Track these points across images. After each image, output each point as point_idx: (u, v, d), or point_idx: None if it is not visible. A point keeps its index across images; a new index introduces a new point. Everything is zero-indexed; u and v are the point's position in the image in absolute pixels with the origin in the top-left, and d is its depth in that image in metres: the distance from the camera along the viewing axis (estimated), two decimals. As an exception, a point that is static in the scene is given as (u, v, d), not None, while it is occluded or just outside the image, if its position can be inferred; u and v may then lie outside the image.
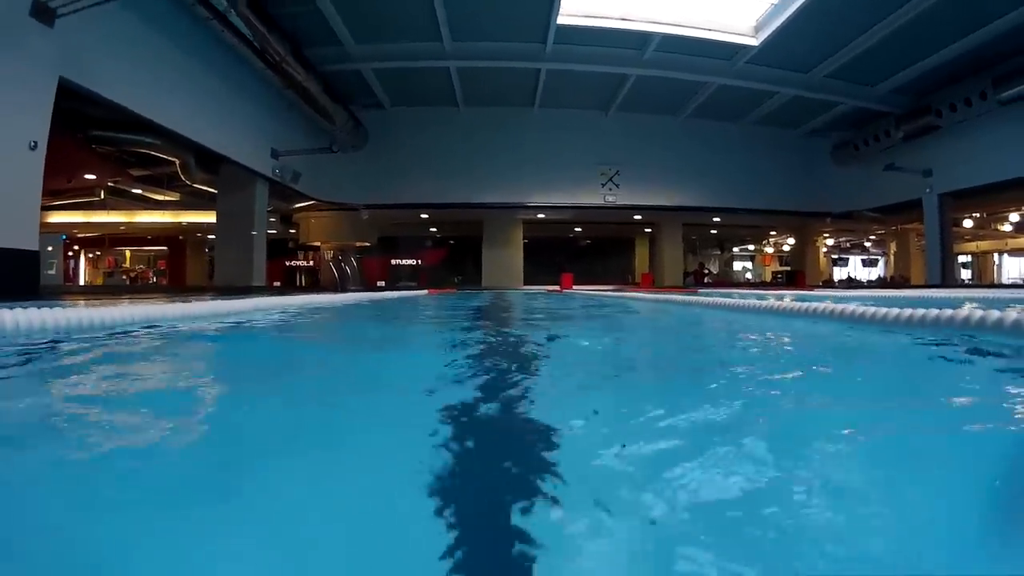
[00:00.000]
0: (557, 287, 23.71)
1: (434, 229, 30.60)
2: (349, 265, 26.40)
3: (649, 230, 30.49)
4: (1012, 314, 3.04)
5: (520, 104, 22.60)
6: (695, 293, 14.85)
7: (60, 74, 9.24)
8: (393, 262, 29.05)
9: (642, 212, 25.90)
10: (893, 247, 33.84)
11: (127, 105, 11.39)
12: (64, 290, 14.24)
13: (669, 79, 19.26)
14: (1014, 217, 29.12)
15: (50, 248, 11.78)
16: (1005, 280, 32.94)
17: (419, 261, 29.38)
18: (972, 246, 33.68)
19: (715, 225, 31.09)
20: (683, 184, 24.21)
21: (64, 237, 25.70)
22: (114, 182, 19.92)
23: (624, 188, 23.96)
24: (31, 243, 8.90)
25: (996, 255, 34.13)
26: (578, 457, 1.13)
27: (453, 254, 30.29)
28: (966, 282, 31.74)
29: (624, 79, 19.69)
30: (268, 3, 13.48)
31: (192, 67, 13.47)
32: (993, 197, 22.60)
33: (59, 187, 18.38)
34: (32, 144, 8.77)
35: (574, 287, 23.29)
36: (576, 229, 31.55)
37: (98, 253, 31.15)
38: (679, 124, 23.64)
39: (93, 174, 18.54)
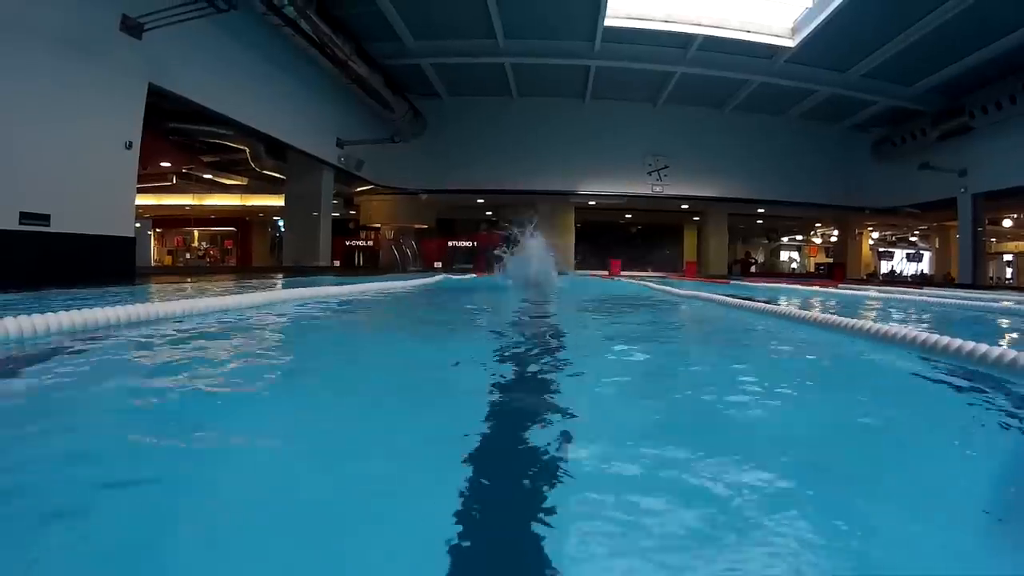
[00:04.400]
0: (606, 272, 24.44)
1: (489, 213, 31.40)
2: (409, 247, 27.39)
3: (697, 219, 30.92)
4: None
5: (572, 96, 23.34)
6: (727, 283, 15.59)
7: (149, 80, 10.39)
8: (450, 244, 29.81)
9: (688, 202, 26.50)
10: (936, 243, 33.72)
11: (207, 105, 12.61)
12: (151, 271, 15.42)
13: (713, 76, 19.91)
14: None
15: (148, 232, 12.93)
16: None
17: (475, 244, 30.06)
18: (1012, 246, 33.24)
19: (761, 215, 31.42)
20: (728, 175, 24.76)
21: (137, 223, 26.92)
22: (187, 168, 21.17)
23: (671, 178, 24.58)
24: (128, 230, 10.14)
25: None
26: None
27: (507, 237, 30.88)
28: (1008, 282, 31.32)
29: (670, 75, 20.33)
30: (333, 6, 14.56)
31: (264, 68, 14.64)
32: (1028, 199, 22.69)
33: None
34: (128, 144, 9.97)
35: (622, 273, 24.02)
36: (627, 216, 32.07)
37: (159, 231, 32.29)
38: (724, 117, 24.15)
39: (168, 162, 19.82)
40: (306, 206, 18.72)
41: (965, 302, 8.31)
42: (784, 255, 41.50)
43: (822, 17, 15.56)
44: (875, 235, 36.60)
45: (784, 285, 15.66)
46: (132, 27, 9.49)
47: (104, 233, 9.58)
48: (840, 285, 16.94)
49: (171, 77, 11.11)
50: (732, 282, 17.67)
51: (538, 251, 12.57)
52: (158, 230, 31.58)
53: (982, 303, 8.12)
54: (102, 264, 9.37)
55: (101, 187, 9.54)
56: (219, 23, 11.73)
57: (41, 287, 6.97)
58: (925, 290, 13.54)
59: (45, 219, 8.50)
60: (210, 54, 12.47)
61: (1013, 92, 17.44)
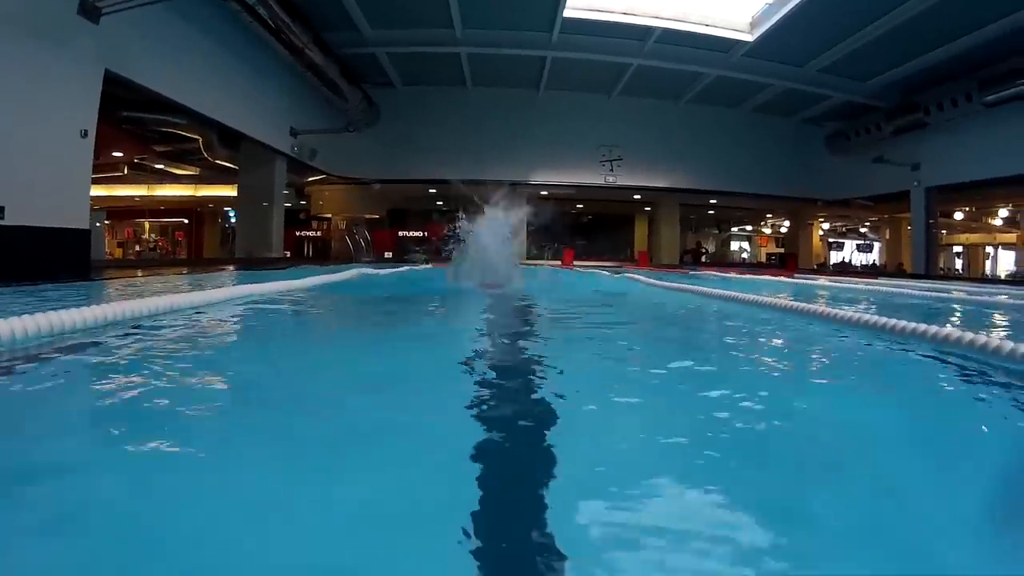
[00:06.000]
0: (559, 262, 24.45)
1: (440, 203, 31.27)
2: (362, 237, 27.12)
3: (648, 208, 31.16)
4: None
5: (526, 86, 23.32)
6: (685, 274, 15.70)
7: (105, 67, 10.07)
8: (401, 234, 29.64)
9: (641, 192, 26.74)
10: (887, 234, 34.54)
11: (163, 92, 12.30)
12: (105, 264, 14.89)
13: (669, 68, 20.03)
14: (1004, 212, 30.08)
15: (98, 224, 12.65)
16: (1000, 273, 32.96)
17: (425, 233, 29.93)
18: (963, 238, 34.25)
19: (713, 206, 31.81)
20: (681, 166, 24.95)
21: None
22: (139, 158, 20.68)
23: (624, 168, 24.72)
24: (82, 223, 9.81)
25: (990, 248, 34.60)
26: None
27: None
28: (958, 272, 32.39)
29: (626, 67, 20.40)
30: (291, -9, 14.31)
31: (220, 54, 14.38)
32: (980, 193, 23.68)
33: (88, 164, 19.18)
34: (83, 132, 9.62)
35: (574, 263, 24.08)
36: (578, 205, 32.16)
37: (108, 222, 31.66)
38: (679, 109, 24.32)
39: (121, 151, 19.32)
40: (259, 196, 18.39)
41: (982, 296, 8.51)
42: (735, 245, 42.10)
43: (781, 13, 15.77)
44: (825, 226, 37.32)
45: (725, 275, 15.71)
46: (90, 10, 9.17)
47: (58, 226, 9.22)
48: (796, 275, 17.19)
49: (128, 64, 10.79)
50: (691, 272, 17.80)
51: (496, 237, 8.87)
52: (107, 222, 30.94)
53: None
54: (56, 258, 9.01)
55: (56, 178, 9.19)
56: (175, 8, 11.50)
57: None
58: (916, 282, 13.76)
59: (-1, 212, 8.18)
60: (167, 41, 12.17)
61: (968, 91, 17.95)
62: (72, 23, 9.04)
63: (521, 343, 3.74)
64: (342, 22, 16.98)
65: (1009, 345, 2.83)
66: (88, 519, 1.18)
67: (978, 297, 8.63)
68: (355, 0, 15.94)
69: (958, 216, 30.06)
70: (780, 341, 4.25)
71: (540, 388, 2.37)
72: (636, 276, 12.79)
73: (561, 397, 2.16)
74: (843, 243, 40.42)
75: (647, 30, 17.68)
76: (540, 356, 3.14)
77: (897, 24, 15.41)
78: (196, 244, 31.87)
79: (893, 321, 3.76)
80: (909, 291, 9.09)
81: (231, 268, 13.77)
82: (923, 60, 17.65)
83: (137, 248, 31.18)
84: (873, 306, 6.91)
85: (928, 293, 8.94)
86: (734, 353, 3.76)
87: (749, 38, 17.49)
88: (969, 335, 3.15)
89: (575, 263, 24.44)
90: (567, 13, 16.54)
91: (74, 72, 9.40)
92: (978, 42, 16.04)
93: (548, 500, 1.28)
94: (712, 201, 29.46)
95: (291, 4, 14.26)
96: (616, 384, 2.49)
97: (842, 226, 38.48)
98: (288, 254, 22.18)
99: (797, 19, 15.72)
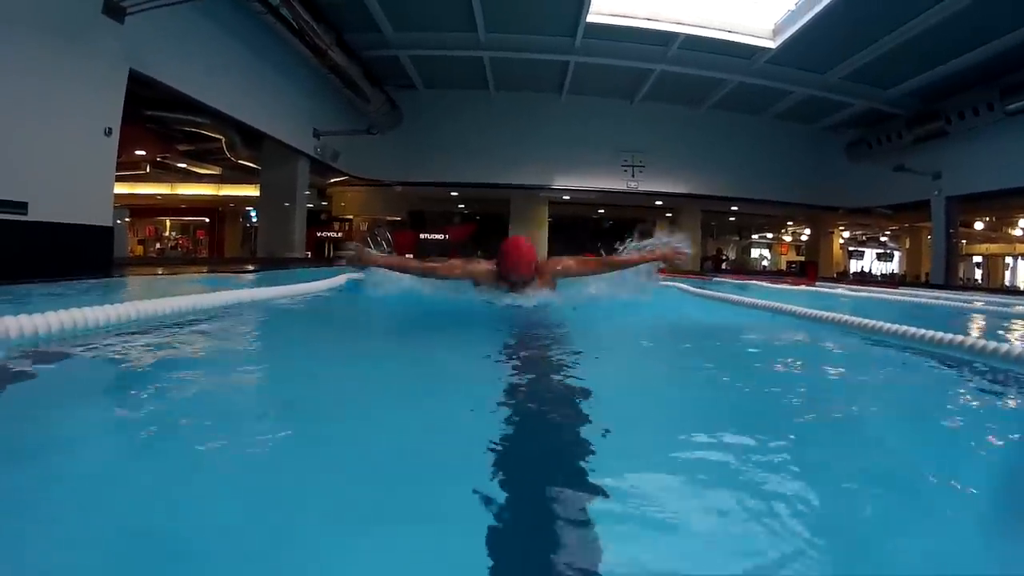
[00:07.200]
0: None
1: (462, 206, 31.31)
2: (384, 239, 27.20)
3: (669, 214, 31.05)
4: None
5: (549, 90, 23.25)
6: (709, 280, 15.56)
7: (130, 66, 10.15)
8: (422, 236, 29.61)
9: (662, 198, 26.66)
10: (907, 243, 34.30)
11: (187, 92, 12.37)
12: (127, 262, 14.93)
13: (691, 75, 19.94)
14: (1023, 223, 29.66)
15: (119, 222, 12.70)
16: (1020, 284, 32.33)
17: (446, 236, 29.89)
18: (983, 248, 33.85)
19: (733, 213, 31.72)
20: (703, 173, 24.80)
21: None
22: (162, 157, 20.84)
23: (646, 174, 24.58)
24: (106, 220, 9.88)
25: (1010, 258, 34.18)
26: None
27: (480, 230, 30.85)
28: (978, 283, 31.91)
29: (648, 72, 20.30)
30: (315, -7, 14.40)
31: (244, 55, 14.43)
32: (1002, 202, 23.33)
33: (111, 162, 19.36)
34: (107, 130, 9.70)
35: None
36: (599, 211, 32.11)
37: (127, 220, 31.84)
38: (700, 115, 24.18)
39: (143, 150, 19.49)
40: (281, 196, 18.47)
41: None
42: (755, 252, 41.87)
43: (804, 20, 15.65)
44: (846, 234, 37.04)
45: (742, 282, 15.40)
46: (114, 10, 9.25)
47: (82, 222, 9.30)
48: (814, 284, 17.00)
49: (152, 63, 10.87)
50: (714, 279, 17.67)
51: None
52: (128, 219, 31.19)
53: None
54: (79, 255, 9.07)
55: (80, 174, 9.28)
56: (200, 8, 11.51)
57: (19, 279, 6.55)
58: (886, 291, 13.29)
59: (23, 207, 8.24)
60: (191, 40, 12.25)
61: (990, 100, 17.75)
62: (97, 23, 9.11)
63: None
64: (365, 24, 17.00)
65: None
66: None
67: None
68: (378, 2, 15.94)
69: (978, 226, 29.76)
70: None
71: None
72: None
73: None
74: (863, 252, 40.16)
75: (670, 36, 17.58)
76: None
77: (919, 32, 15.22)
78: (217, 243, 32.04)
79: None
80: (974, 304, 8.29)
81: (251, 268, 13.81)
82: (944, 68, 17.43)
83: (158, 246, 31.34)
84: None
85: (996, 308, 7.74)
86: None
87: (771, 45, 17.38)
88: None
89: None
90: (590, 18, 16.48)
91: (99, 71, 9.48)
92: (999, 50, 15.82)
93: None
94: (733, 208, 29.39)
95: (314, 5, 14.37)
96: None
97: (862, 235, 38.22)
98: (309, 254, 22.31)
99: (819, 26, 15.58)
